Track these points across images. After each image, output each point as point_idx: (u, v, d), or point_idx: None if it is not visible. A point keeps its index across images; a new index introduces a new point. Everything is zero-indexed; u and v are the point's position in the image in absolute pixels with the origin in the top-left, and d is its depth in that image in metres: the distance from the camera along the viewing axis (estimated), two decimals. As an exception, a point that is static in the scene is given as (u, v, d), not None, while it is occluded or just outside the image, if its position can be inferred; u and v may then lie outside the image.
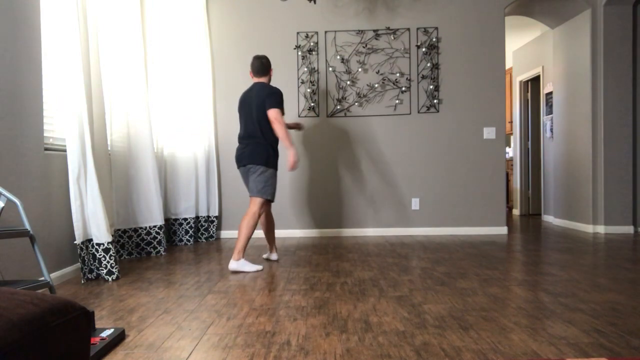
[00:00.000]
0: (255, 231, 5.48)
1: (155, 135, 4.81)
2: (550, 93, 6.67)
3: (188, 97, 5.05)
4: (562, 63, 6.08)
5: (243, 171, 3.86)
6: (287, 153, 5.33)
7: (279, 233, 5.48)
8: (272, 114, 3.69)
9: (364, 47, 5.44)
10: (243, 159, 3.80)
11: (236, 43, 5.49)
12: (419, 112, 5.44)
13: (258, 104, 3.74)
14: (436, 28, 5.43)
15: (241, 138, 3.85)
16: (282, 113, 3.80)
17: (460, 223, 5.46)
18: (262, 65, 3.86)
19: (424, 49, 5.42)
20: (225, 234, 5.51)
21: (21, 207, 2.35)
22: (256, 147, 3.76)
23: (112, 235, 3.97)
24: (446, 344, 2.01)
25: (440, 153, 5.46)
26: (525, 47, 7.45)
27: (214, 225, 5.31)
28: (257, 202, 3.72)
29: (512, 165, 8.29)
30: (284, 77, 5.46)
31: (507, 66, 8.49)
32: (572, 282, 3.07)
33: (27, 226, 2.38)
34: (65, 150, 3.50)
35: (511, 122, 8.24)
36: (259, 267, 3.63)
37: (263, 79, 3.89)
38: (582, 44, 5.60)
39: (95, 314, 2.52)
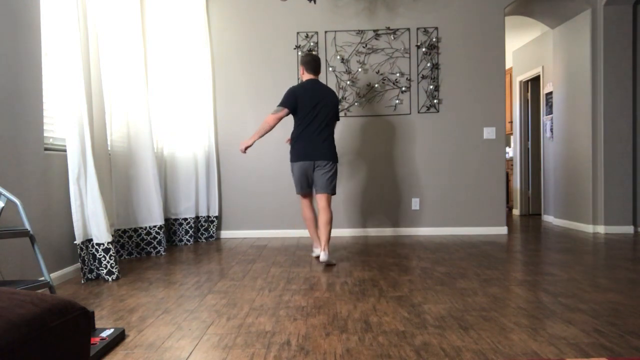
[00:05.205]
0: (256, 231, 5.48)
1: (155, 135, 4.81)
2: (550, 93, 6.67)
3: (188, 97, 5.05)
4: (562, 63, 6.08)
5: (308, 165, 3.79)
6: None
7: (278, 233, 5.48)
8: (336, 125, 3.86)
9: (364, 47, 5.44)
10: (319, 155, 3.77)
11: (236, 43, 5.48)
12: (419, 112, 5.44)
13: (332, 106, 3.85)
14: (436, 28, 5.43)
15: (313, 133, 3.77)
16: None
17: (460, 223, 5.46)
18: (318, 64, 3.93)
19: (424, 49, 5.42)
20: (225, 234, 5.51)
21: (21, 207, 2.35)
22: (332, 145, 3.85)
23: (112, 235, 3.97)
24: (446, 344, 2.01)
25: (440, 153, 5.46)
26: (525, 47, 7.45)
27: (214, 225, 5.31)
28: (330, 197, 3.81)
29: (512, 165, 8.29)
30: (284, 77, 5.46)
31: (507, 66, 8.49)
32: (572, 282, 3.07)
33: (27, 226, 2.38)
34: (65, 150, 3.50)
35: (511, 122, 8.23)
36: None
37: (317, 77, 3.96)
38: (582, 44, 5.60)
39: (95, 314, 2.52)
